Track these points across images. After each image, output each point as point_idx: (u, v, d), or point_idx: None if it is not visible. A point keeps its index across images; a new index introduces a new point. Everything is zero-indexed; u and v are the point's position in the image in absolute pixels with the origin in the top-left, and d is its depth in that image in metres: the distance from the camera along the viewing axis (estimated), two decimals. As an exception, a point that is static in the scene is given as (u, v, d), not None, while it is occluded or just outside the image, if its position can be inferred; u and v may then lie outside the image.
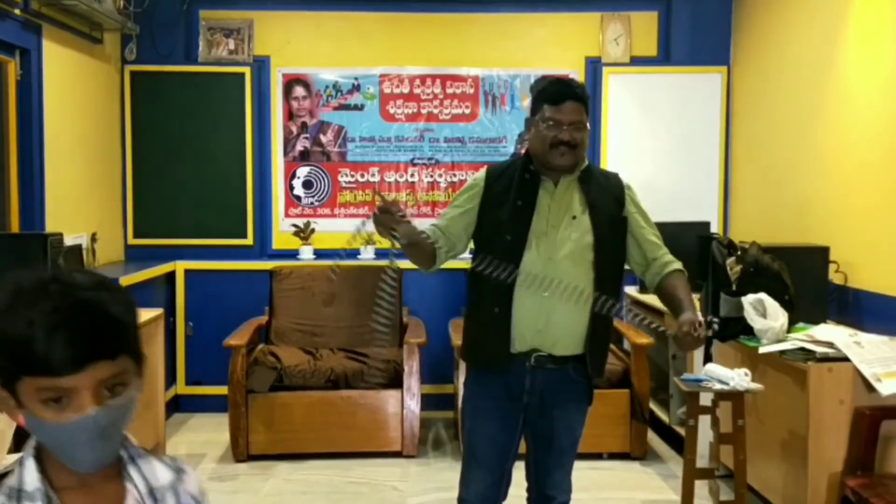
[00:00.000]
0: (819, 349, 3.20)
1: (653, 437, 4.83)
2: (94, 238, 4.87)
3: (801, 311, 3.58)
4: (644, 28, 5.54)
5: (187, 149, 5.46)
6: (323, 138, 5.56)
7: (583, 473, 4.32)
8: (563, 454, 2.66)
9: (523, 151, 2.72)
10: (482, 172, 2.69)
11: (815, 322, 3.68)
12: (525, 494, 2.78)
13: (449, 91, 5.55)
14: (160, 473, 1.29)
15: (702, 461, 3.48)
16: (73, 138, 4.66)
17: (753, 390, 3.19)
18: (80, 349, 1.12)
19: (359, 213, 5.57)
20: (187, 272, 5.39)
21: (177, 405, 5.44)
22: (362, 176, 5.57)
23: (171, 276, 5.35)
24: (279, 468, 4.42)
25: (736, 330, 3.55)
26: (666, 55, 5.55)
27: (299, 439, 4.53)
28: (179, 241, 5.46)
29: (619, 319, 2.39)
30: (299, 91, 5.53)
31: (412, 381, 4.53)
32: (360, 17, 5.52)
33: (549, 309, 2.49)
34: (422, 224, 2.58)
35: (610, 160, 5.52)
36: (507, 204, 2.56)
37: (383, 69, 5.54)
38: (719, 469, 3.45)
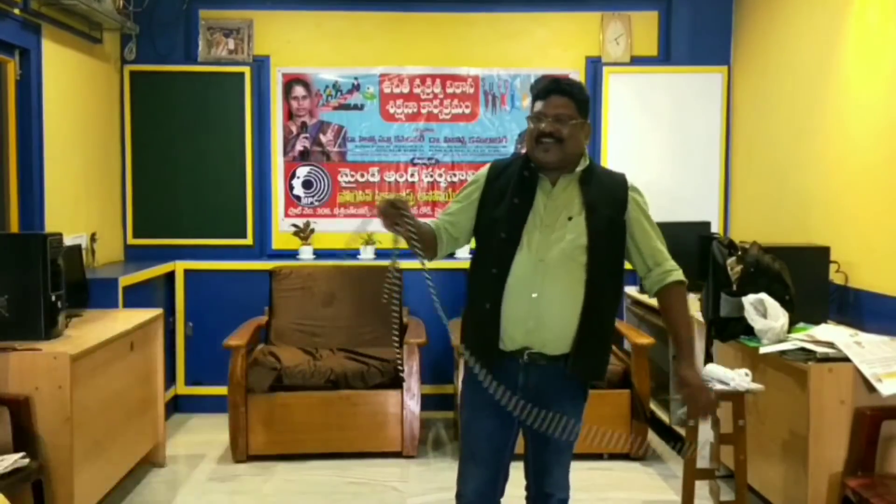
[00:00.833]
0: (819, 349, 3.20)
1: (653, 437, 4.83)
2: (93, 238, 4.87)
3: (802, 311, 3.57)
4: (644, 28, 5.54)
5: (187, 149, 5.46)
6: (323, 138, 5.56)
7: (583, 473, 4.34)
8: (561, 452, 2.63)
9: (523, 151, 2.71)
10: (486, 168, 2.68)
11: (816, 322, 3.68)
12: (524, 493, 2.76)
13: (449, 91, 5.54)
14: None
15: (702, 461, 3.48)
16: (72, 138, 4.66)
17: (754, 391, 3.19)
18: None
19: (358, 213, 5.57)
20: (187, 272, 5.39)
21: (177, 405, 5.43)
22: (362, 176, 5.57)
23: (170, 276, 5.35)
24: (279, 468, 4.42)
25: (736, 330, 3.54)
26: (666, 55, 5.55)
27: (299, 439, 4.52)
28: (179, 241, 5.46)
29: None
30: (299, 91, 5.53)
31: (412, 381, 4.52)
32: (360, 17, 5.52)
33: (540, 310, 2.48)
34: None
35: (610, 160, 5.52)
36: (504, 201, 2.55)
37: (383, 69, 5.54)
38: (719, 469, 3.45)
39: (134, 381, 4.02)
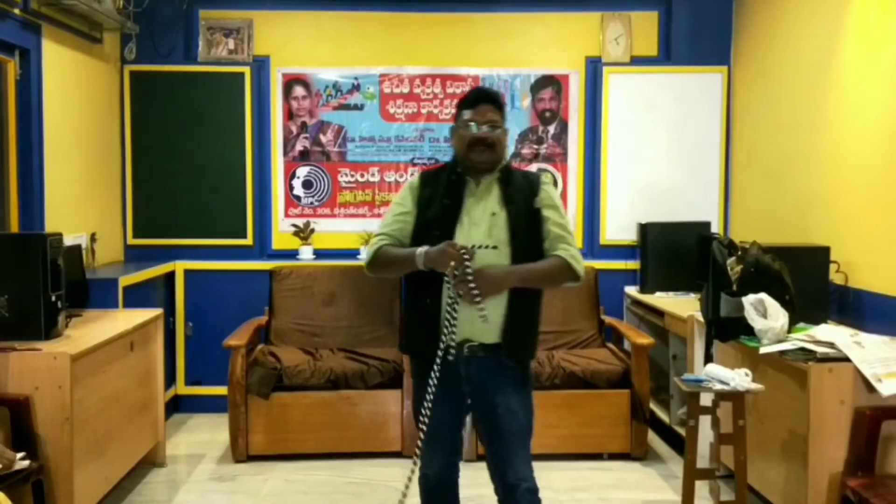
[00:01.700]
0: (819, 349, 3.20)
1: (653, 437, 4.83)
2: (93, 238, 4.87)
3: (802, 311, 3.57)
4: (644, 28, 5.54)
5: (187, 149, 5.46)
6: (323, 138, 5.56)
7: (583, 473, 4.34)
8: (515, 439, 2.75)
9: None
10: (416, 178, 2.93)
11: (816, 322, 3.68)
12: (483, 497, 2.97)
13: (449, 91, 5.54)
14: None
15: (702, 461, 3.48)
16: (72, 138, 4.66)
17: (754, 391, 3.19)
18: None
19: (359, 213, 5.57)
20: (187, 272, 5.40)
21: (177, 405, 5.43)
22: (362, 176, 5.57)
23: (170, 276, 5.35)
24: (279, 468, 4.42)
25: (736, 330, 3.54)
26: (666, 55, 5.55)
27: (299, 439, 4.52)
28: (179, 241, 5.46)
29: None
30: (299, 91, 5.53)
31: (412, 381, 4.51)
32: (360, 17, 5.52)
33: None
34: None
35: (610, 160, 5.53)
36: (435, 204, 2.80)
37: (383, 69, 5.54)
38: (720, 469, 3.45)
39: (134, 381, 4.02)
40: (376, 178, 5.57)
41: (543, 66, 5.54)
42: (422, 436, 2.69)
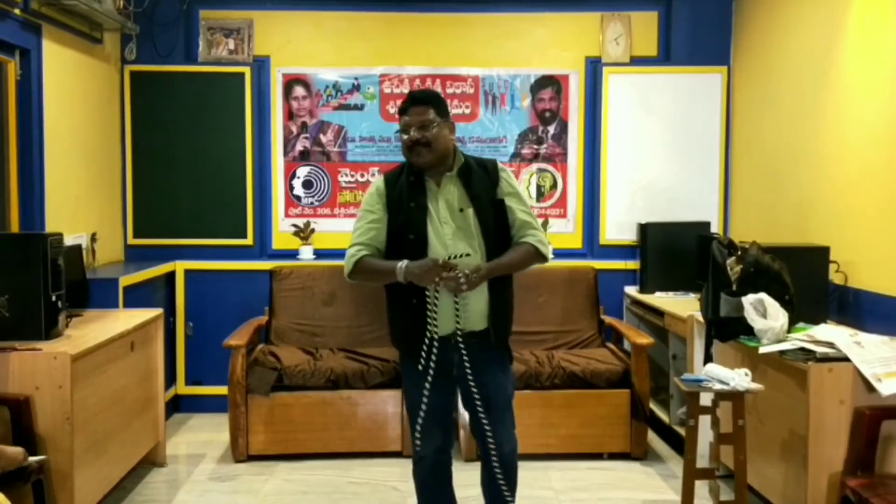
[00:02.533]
0: (819, 349, 3.20)
1: (653, 437, 4.83)
2: (93, 238, 4.87)
3: (802, 311, 3.57)
4: (644, 28, 5.54)
5: (187, 149, 5.46)
6: (323, 138, 5.56)
7: (583, 473, 4.34)
8: (501, 411, 3.01)
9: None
10: (380, 181, 3.07)
11: (816, 322, 3.68)
12: (482, 495, 3.15)
13: (449, 91, 5.54)
14: None
15: (702, 461, 3.48)
16: (72, 138, 4.66)
17: (754, 390, 3.19)
18: None
19: (359, 213, 5.56)
20: (187, 272, 5.40)
21: (177, 405, 5.44)
22: (362, 176, 5.57)
23: (170, 276, 5.35)
24: (279, 468, 4.42)
25: (736, 330, 3.54)
26: (666, 55, 5.55)
27: (299, 439, 4.53)
28: (179, 241, 5.46)
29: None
30: (299, 91, 5.53)
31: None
32: (360, 17, 5.53)
33: (462, 297, 2.86)
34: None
35: (610, 160, 5.53)
36: (403, 207, 2.96)
37: (383, 69, 5.54)
38: (719, 469, 3.45)
39: (134, 381, 4.03)
40: (377, 179, 5.56)
41: (543, 67, 5.55)
42: (420, 421, 2.91)
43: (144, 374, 4.19)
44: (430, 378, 2.86)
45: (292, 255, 5.46)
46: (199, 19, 5.46)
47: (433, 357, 2.87)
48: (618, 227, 5.54)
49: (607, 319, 5.12)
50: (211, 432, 5.01)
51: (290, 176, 5.56)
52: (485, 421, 2.94)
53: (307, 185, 5.57)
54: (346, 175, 5.57)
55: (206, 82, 5.45)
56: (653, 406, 4.90)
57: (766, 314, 3.41)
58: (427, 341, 2.87)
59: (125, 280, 4.59)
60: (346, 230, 5.55)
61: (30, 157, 4.20)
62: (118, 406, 3.79)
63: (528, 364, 4.53)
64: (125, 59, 5.37)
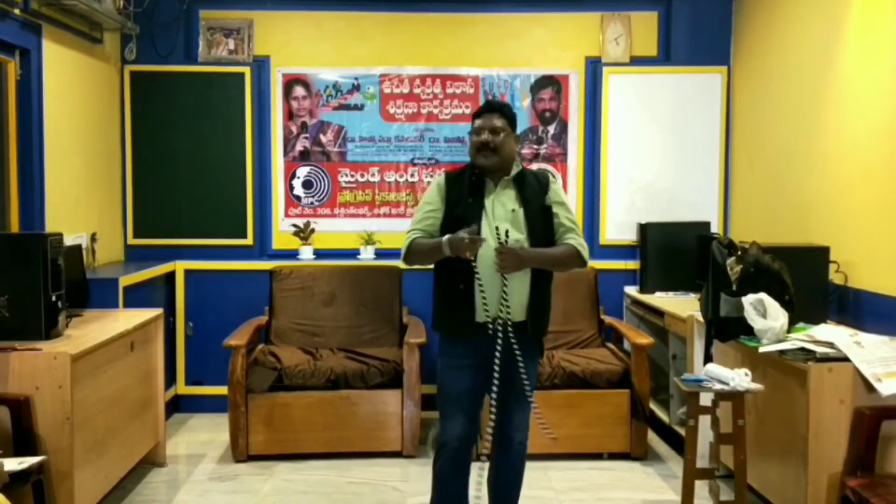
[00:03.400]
0: (819, 349, 3.20)
1: (653, 437, 4.83)
2: (93, 238, 4.87)
3: (802, 311, 3.57)
4: (644, 28, 5.54)
5: (187, 149, 5.46)
6: (323, 138, 5.56)
7: (583, 473, 4.34)
8: (521, 401, 3.15)
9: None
10: (441, 178, 3.28)
11: (816, 322, 3.68)
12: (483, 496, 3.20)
13: (449, 91, 5.55)
14: None
15: (702, 461, 3.48)
16: (72, 138, 4.66)
17: (753, 390, 3.19)
18: None
19: (359, 212, 5.58)
20: (187, 272, 5.40)
21: (177, 405, 5.44)
22: (362, 176, 5.57)
23: (170, 276, 5.35)
24: (279, 468, 4.43)
25: (736, 330, 3.54)
26: (666, 55, 5.55)
27: (299, 439, 4.53)
28: (179, 241, 5.46)
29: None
30: (299, 91, 5.53)
31: (412, 381, 4.53)
32: (360, 17, 5.53)
33: (506, 285, 3.05)
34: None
35: (610, 160, 5.53)
36: (462, 202, 3.17)
37: (383, 69, 5.54)
38: (719, 469, 3.45)
39: (134, 381, 4.03)
40: (376, 179, 5.58)
41: (543, 67, 5.55)
42: (448, 410, 3.14)
43: (144, 374, 4.19)
44: (497, 361, 2.98)
45: (292, 255, 5.46)
46: (199, 19, 5.46)
47: (478, 341, 3.05)
48: (618, 227, 5.54)
49: (607, 319, 5.12)
50: (211, 432, 5.01)
51: (290, 176, 5.56)
52: (505, 408, 3.10)
53: (307, 185, 5.57)
54: (346, 175, 5.57)
55: (206, 82, 5.45)
56: (653, 406, 4.90)
57: (766, 314, 3.41)
58: (470, 325, 3.06)
59: (125, 280, 4.59)
60: (346, 230, 5.63)
61: (30, 157, 4.20)
62: (118, 406, 3.79)
63: (528, 364, 4.53)
64: (125, 59, 5.37)
